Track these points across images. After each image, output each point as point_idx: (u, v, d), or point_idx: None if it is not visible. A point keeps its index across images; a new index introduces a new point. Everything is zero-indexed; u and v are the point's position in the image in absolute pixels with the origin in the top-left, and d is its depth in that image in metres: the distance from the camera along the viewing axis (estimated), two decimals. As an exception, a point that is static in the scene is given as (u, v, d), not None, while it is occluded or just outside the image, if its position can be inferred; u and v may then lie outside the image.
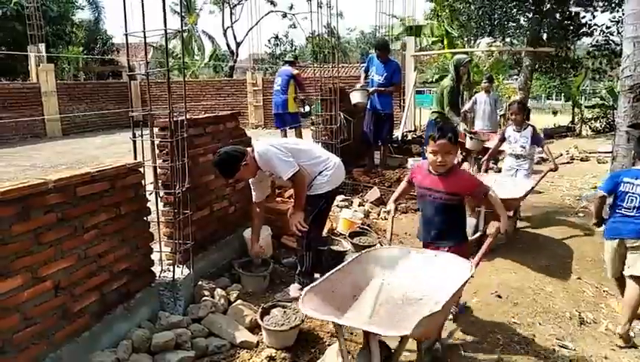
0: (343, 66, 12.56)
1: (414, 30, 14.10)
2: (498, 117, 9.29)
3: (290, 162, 3.36)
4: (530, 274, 4.21)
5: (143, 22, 3.09)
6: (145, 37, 3.26)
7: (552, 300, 3.75)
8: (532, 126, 5.32)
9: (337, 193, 3.93)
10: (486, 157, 5.45)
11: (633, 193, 3.41)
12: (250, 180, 3.60)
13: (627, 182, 3.45)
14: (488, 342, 3.18)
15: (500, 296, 3.77)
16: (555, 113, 15.70)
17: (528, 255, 4.59)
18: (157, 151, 3.42)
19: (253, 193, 3.67)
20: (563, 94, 17.98)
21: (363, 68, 7.84)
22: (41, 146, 10.35)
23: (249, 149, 3.40)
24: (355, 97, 6.99)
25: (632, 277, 3.35)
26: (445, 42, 12.75)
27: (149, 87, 3.37)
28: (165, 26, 3.17)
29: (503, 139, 5.40)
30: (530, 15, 10.97)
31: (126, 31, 3.21)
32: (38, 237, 2.40)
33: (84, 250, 2.68)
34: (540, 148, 5.68)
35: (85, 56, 19.72)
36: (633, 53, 5.44)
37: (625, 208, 3.44)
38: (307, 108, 8.17)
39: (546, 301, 3.74)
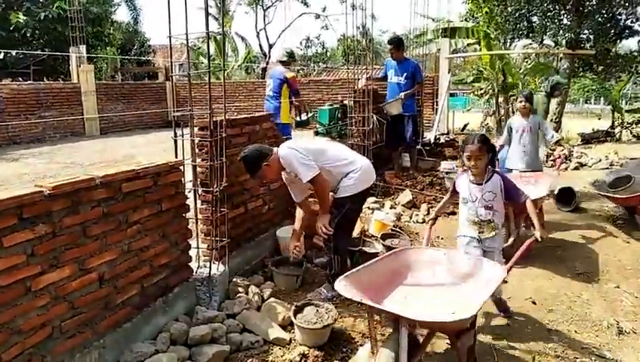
0: (375, 68, 12.57)
1: (449, 32, 13.96)
2: (544, 150, 6.95)
3: (310, 165, 3.35)
4: (566, 281, 4.13)
5: (186, 24, 3.20)
6: (187, 39, 3.35)
7: (588, 308, 3.68)
8: (499, 174, 3.26)
9: (367, 195, 3.89)
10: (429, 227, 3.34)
11: None
12: (286, 181, 3.65)
13: None
14: (522, 349, 3.14)
15: (534, 303, 3.72)
16: (599, 117, 15.25)
17: (565, 262, 4.50)
18: (196, 151, 3.52)
19: (292, 193, 3.71)
20: (602, 98, 17.45)
21: (381, 74, 7.67)
22: (80, 144, 10.69)
23: (275, 150, 3.44)
24: (393, 108, 6.97)
25: None
26: (482, 44, 12.56)
27: (191, 87, 3.47)
28: (207, 28, 3.26)
29: (453, 192, 3.43)
30: (570, 16, 10.71)
31: (169, 33, 3.31)
32: (85, 230, 2.51)
33: (127, 244, 2.79)
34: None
35: (122, 57, 20.28)
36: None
37: None
38: (304, 117, 7.22)
39: (583, 309, 3.66)
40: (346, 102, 7.55)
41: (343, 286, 2.46)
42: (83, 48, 13.40)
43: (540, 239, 2.87)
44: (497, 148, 4.87)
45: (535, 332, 3.33)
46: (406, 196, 6.15)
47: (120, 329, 2.75)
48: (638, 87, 17.17)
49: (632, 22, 11.07)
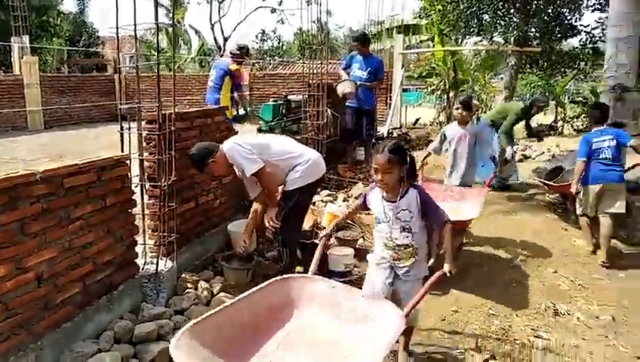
0: (330, 63, 12.63)
1: (403, 28, 14.20)
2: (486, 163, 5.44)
3: (254, 159, 3.39)
4: (508, 266, 4.31)
5: (135, 15, 3.11)
6: (135, 30, 3.27)
7: (528, 292, 3.86)
8: (416, 188, 2.70)
9: (316, 188, 3.92)
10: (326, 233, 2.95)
11: (602, 148, 4.51)
12: (240, 176, 3.63)
13: (596, 141, 4.56)
14: (466, 332, 3.27)
15: (477, 288, 3.86)
16: (544, 113, 15.91)
17: (507, 248, 4.69)
18: (144, 144, 3.44)
19: (247, 189, 3.69)
20: (547, 94, 18.21)
21: (342, 65, 7.69)
22: (23, 139, 10.22)
23: (220, 146, 3.45)
24: (344, 86, 6.99)
25: (607, 214, 4.48)
26: (436, 40, 12.85)
27: (139, 80, 3.38)
28: (157, 19, 3.20)
29: (363, 206, 2.90)
30: (518, 14, 11.12)
31: (117, 24, 3.22)
32: (24, 227, 2.42)
33: (68, 241, 2.70)
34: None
35: (69, 49, 19.49)
36: (615, 54, 5.59)
37: (602, 160, 4.49)
38: (242, 112, 6.94)
39: (523, 293, 3.84)
40: (291, 97, 7.18)
41: (179, 349, 1.83)
42: (26, 38, 12.79)
43: (448, 274, 2.43)
44: (426, 155, 4.69)
45: (478, 317, 3.47)
46: (359, 189, 6.22)
47: (60, 330, 2.66)
48: (580, 83, 17.99)
49: (575, 21, 11.60)
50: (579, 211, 4.78)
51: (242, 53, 6.82)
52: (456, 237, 3.04)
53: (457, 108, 4.64)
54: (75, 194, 2.73)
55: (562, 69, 12.89)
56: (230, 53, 6.91)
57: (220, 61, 6.74)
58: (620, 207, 4.51)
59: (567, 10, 11.43)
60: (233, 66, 6.47)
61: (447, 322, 3.39)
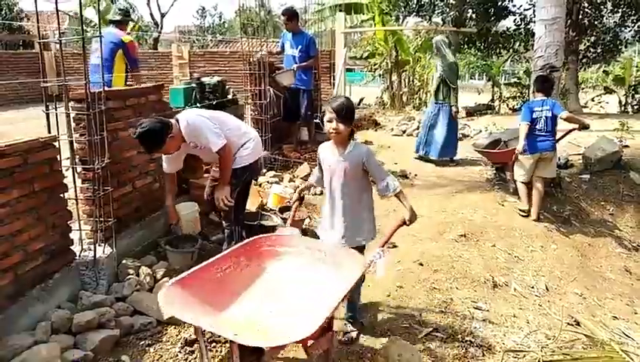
0: (273, 41, 12.41)
1: (344, 7, 14.15)
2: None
3: (219, 134, 3.31)
4: (450, 243, 4.45)
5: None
6: (57, 3, 3.04)
7: (468, 266, 4.01)
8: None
9: (259, 166, 3.94)
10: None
11: (540, 117, 4.90)
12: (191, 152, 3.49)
13: (537, 110, 4.94)
14: (410, 306, 3.36)
15: (421, 264, 3.97)
16: (479, 92, 16.45)
17: (448, 225, 4.85)
18: (73, 125, 3.24)
19: (165, 165, 3.53)
20: (485, 74, 18.85)
21: (279, 45, 7.47)
22: (-58, 121, 9.42)
23: (173, 121, 3.26)
24: (284, 79, 6.86)
25: (540, 178, 5.03)
26: (377, 20, 12.91)
27: (63, 57, 3.16)
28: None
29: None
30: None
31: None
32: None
33: (-6, 229, 2.52)
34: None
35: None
36: (545, 34, 5.82)
37: (538, 130, 4.92)
38: None
39: (463, 267, 3.99)
40: (204, 79, 5.93)
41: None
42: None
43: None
44: (302, 188, 3.05)
45: (421, 291, 3.57)
46: (304, 169, 6.21)
47: (-10, 323, 2.50)
48: (516, 64, 18.72)
49: (508, 3, 12.00)
50: (517, 177, 5.24)
51: (125, 19, 5.54)
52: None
53: (330, 121, 2.61)
54: (-2, 179, 2.54)
55: (498, 50, 13.34)
56: (110, 22, 5.45)
57: (106, 32, 5.11)
58: (551, 172, 5.14)
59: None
60: (127, 38, 5.26)
61: (392, 297, 3.46)
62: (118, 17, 5.40)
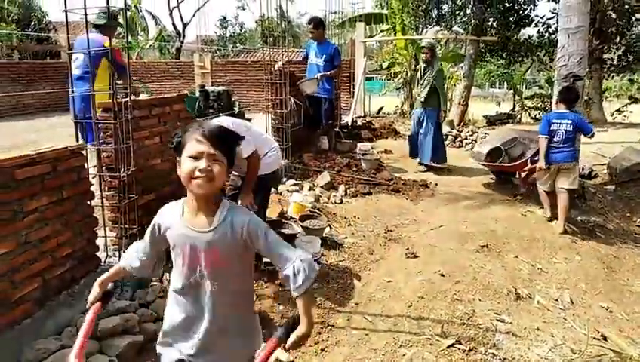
0: (293, 50, 12.52)
1: (364, 17, 14.21)
2: None
3: (250, 141, 3.33)
4: (472, 253, 4.41)
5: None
6: (86, 14, 3.13)
7: (490, 277, 3.96)
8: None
9: (280, 175, 3.98)
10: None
11: (558, 130, 4.94)
12: None
13: (555, 123, 4.97)
14: (432, 318, 3.33)
15: (442, 275, 3.94)
16: (499, 103, 16.33)
17: (469, 235, 4.80)
18: (100, 134, 3.32)
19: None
20: (506, 83, 18.68)
21: (303, 54, 7.65)
22: (-28, 129, 9.72)
23: None
24: (308, 87, 6.96)
25: (563, 189, 4.98)
26: (397, 29, 12.94)
27: (92, 67, 3.25)
28: (108, 3, 3.06)
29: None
30: (476, 4, 11.32)
31: (65, 7, 3.07)
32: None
33: (24, 234, 2.58)
34: None
35: (19, 33, 18.54)
36: (567, 43, 5.75)
37: (555, 142, 4.96)
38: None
39: (486, 278, 3.94)
40: (208, 87, 5.20)
41: None
42: (-29, 23, 12.08)
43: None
44: (108, 277, 1.77)
45: (443, 302, 3.53)
46: (324, 178, 6.23)
47: (19, 327, 2.56)
48: (537, 72, 18.52)
49: (530, 12, 11.90)
50: (539, 186, 5.25)
51: (112, 24, 4.74)
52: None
53: (196, 156, 1.55)
54: (28, 186, 2.61)
55: (521, 58, 13.21)
56: (93, 26, 4.59)
57: (84, 39, 3.81)
58: (572, 183, 5.04)
59: (522, 1, 11.71)
60: (109, 43, 4.20)
61: (414, 308, 3.44)
62: (101, 21, 4.56)
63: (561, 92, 5.27)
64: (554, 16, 11.41)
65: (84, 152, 3.04)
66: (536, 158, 5.39)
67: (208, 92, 5.66)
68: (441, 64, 7.84)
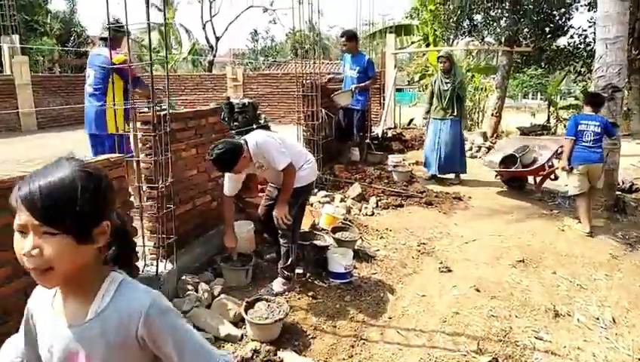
0: (323, 62, 12.62)
1: (394, 28, 14.22)
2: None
3: (285, 153, 3.43)
4: (508, 268, 4.31)
5: (126, 14, 3.07)
6: (127, 30, 3.24)
7: (528, 294, 3.86)
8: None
9: (313, 187, 4.02)
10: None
11: (586, 131, 5.06)
12: (227, 173, 3.58)
13: (583, 123, 5.10)
14: (467, 334, 3.26)
15: (478, 290, 3.86)
16: (533, 114, 16.04)
17: (505, 250, 4.70)
18: (140, 146, 3.41)
19: (227, 186, 3.59)
20: (539, 93, 18.32)
21: (341, 69, 7.74)
22: (17, 140, 10.11)
23: (242, 141, 3.39)
24: (342, 100, 7.04)
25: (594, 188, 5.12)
26: (430, 40, 12.90)
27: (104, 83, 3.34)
28: (148, 18, 3.15)
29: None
30: (509, 14, 11.19)
31: (108, 23, 3.18)
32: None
33: (66, 243, 2.65)
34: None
35: (60, 48, 19.29)
36: (605, 54, 5.62)
37: (584, 142, 5.07)
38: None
39: (523, 294, 3.84)
40: (233, 100, 5.60)
41: None
42: (16, 38, 12.61)
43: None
44: None
45: (479, 318, 3.46)
46: (355, 189, 6.22)
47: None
48: (573, 83, 18.11)
49: (565, 21, 11.67)
50: (571, 191, 5.27)
51: (118, 36, 4.42)
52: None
53: (21, 230, 1.05)
54: (73, 197, 2.68)
55: (560, 67, 12.91)
56: (99, 39, 4.66)
57: (94, 56, 4.54)
58: (600, 183, 5.24)
59: (556, 10, 11.49)
60: (119, 57, 4.19)
61: (448, 324, 3.38)
62: (106, 34, 4.34)
63: (588, 95, 5.48)
64: (591, 26, 11.16)
65: (124, 164, 3.12)
66: (550, 163, 5.84)
67: (233, 104, 5.71)
68: (462, 74, 7.80)
